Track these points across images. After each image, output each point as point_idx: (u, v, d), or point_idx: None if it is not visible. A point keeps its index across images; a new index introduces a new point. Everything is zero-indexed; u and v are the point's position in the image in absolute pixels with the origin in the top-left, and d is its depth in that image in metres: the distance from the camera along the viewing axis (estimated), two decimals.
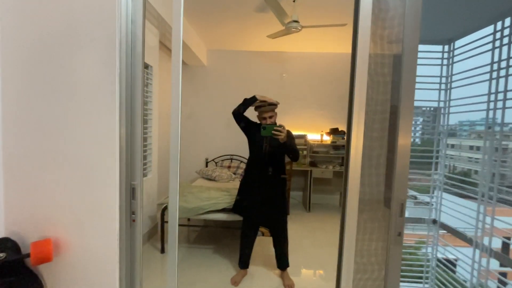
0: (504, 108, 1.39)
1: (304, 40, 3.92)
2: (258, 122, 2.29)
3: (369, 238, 1.04)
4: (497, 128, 1.48)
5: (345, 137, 1.04)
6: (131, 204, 1.05)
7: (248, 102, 2.18)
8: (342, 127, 4.48)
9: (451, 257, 1.82)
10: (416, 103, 1.96)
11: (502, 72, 1.43)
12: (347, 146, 0.98)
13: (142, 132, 1.06)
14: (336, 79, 4.38)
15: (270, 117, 2.15)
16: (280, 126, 1.99)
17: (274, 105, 2.17)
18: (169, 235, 1.05)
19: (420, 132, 2.21)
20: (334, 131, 4.44)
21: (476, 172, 1.84)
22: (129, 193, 1.04)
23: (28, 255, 0.96)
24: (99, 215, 1.00)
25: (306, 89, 4.49)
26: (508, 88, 1.43)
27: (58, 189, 1.02)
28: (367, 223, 1.04)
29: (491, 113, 1.50)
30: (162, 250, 2.77)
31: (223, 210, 2.67)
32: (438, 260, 1.93)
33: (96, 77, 0.99)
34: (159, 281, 2.25)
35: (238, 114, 2.19)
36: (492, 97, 1.48)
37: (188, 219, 3.40)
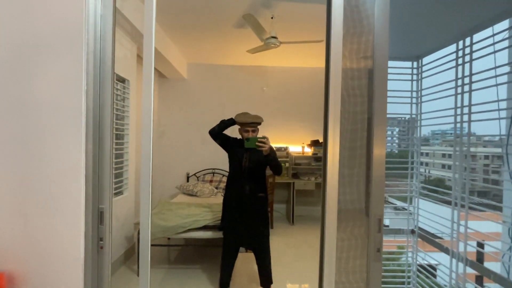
0: (469, 121, 1.47)
1: (284, 55, 4.02)
2: (237, 137, 2.27)
3: (352, 247, 1.03)
4: (466, 138, 1.55)
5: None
6: (99, 230, 0.97)
7: (225, 124, 2.16)
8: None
9: (432, 262, 1.85)
10: (390, 116, 2.03)
11: (467, 87, 1.52)
12: (324, 159, 0.98)
13: (112, 151, 1.00)
14: (315, 92, 4.49)
15: (253, 131, 2.15)
16: (264, 137, 1.98)
17: (258, 123, 2.18)
18: (140, 260, 0.97)
19: (397, 142, 2.28)
20: (315, 143, 4.51)
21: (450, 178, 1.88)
22: (97, 218, 0.96)
23: None
24: (61, 244, 0.92)
25: (287, 102, 4.57)
26: (473, 102, 1.52)
27: (12, 216, 0.93)
28: (348, 233, 1.02)
29: (459, 125, 1.58)
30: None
31: (204, 228, 2.58)
32: (420, 265, 1.96)
33: (61, 92, 0.93)
34: None
35: (215, 134, 2.17)
36: (459, 110, 1.57)
37: (168, 238, 3.24)
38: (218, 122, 2.20)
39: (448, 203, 1.70)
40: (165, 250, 3.23)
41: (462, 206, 1.54)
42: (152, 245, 2.79)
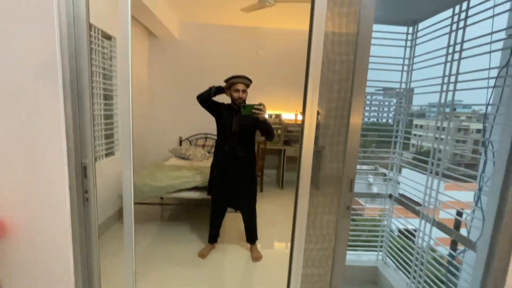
0: (454, 90, 1.47)
1: (280, 16, 3.81)
2: (225, 103, 2.25)
3: (326, 211, 1.10)
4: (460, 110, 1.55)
5: (302, 117, 1.05)
6: (83, 183, 1.01)
7: (214, 91, 2.12)
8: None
9: (409, 227, 1.98)
10: (381, 84, 2.00)
11: (458, 55, 1.49)
12: (302, 125, 1.00)
13: (91, 109, 1.00)
14: None
15: (243, 91, 2.12)
16: (260, 104, 1.99)
17: (248, 79, 2.13)
18: (124, 216, 1.03)
19: (392, 113, 2.26)
20: None
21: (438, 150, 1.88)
22: (80, 172, 1.00)
23: None
24: (48, 195, 0.96)
25: (282, 67, 4.44)
26: (462, 71, 1.50)
27: (1, 168, 0.96)
28: (325, 197, 1.08)
29: (448, 95, 1.58)
30: None
31: (194, 189, 2.68)
32: (399, 230, 2.09)
33: (36, 50, 0.91)
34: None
35: (203, 100, 2.14)
36: (449, 79, 1.55)
37: (161, 198, 3.38)
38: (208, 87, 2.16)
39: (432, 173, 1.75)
40: (159, 208, 3.39)
41: (443, 175, 1.59)
42: (146, 203, 2.89)
